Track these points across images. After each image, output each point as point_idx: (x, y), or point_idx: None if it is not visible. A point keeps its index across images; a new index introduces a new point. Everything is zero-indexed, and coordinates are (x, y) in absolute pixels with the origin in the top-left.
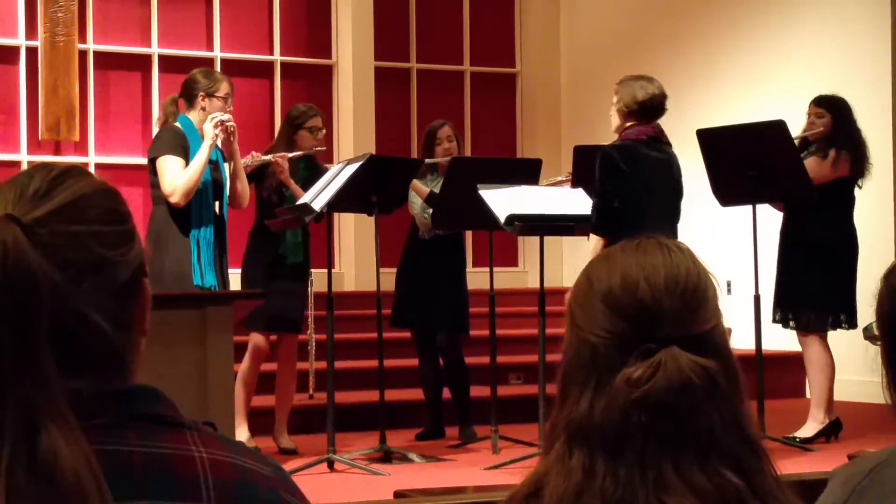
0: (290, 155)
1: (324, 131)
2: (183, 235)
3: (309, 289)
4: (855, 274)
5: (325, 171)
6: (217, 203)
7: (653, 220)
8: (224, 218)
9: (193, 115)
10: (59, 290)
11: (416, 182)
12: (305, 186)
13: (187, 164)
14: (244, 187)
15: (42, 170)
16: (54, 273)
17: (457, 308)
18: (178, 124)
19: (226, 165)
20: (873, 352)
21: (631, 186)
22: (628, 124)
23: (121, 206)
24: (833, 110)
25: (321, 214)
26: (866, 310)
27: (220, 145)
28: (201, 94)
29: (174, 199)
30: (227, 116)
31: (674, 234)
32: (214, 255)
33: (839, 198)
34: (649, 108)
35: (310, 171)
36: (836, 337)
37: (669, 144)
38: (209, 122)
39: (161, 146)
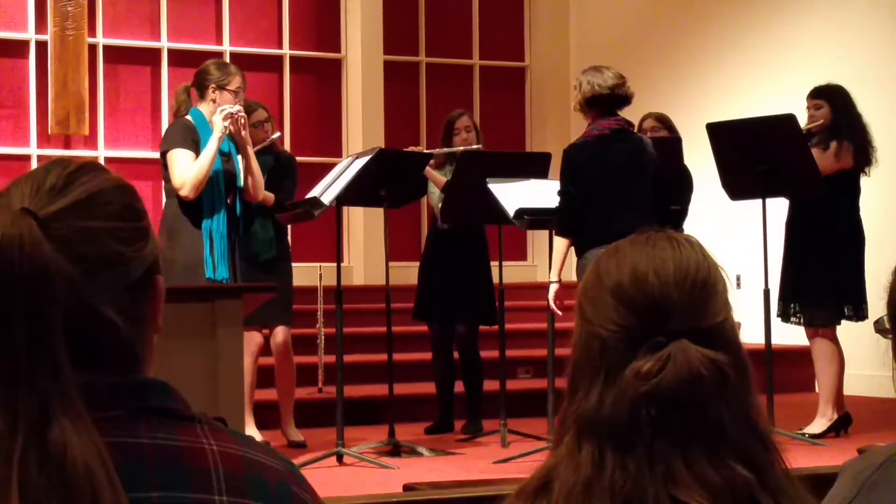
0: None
1: (270, 122)
2: (195, 228)
3: (291, 281)
4: (862, 265)
5: (290, 155)
6: (230, 195)
7: (623, 217)
8: (237, 210)
9: (204, 107)
10: (74, 284)
11: (431, 170)
12: (272, 175)
13: (198, 156)
14: (258, 178)
15: (59, 165)
16: (69, 267)
17: (480, 298)
18: (189, 117)
19: (239, 157)
20: (884, 345)
21: (593, 185)
22: (590, 119)
23: (136, 202)
24: (830, 99)
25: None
26: (877, 302)
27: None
28: (212, 85)
29: (184, 193)
30: (237, 108)
31: (651, 226)
32: (227, 248)
33: (844, 188)
34: (603, 100)
35: (274, 158)
36: (845, 331)
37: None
38: (218, 113)
39: (171, 140)
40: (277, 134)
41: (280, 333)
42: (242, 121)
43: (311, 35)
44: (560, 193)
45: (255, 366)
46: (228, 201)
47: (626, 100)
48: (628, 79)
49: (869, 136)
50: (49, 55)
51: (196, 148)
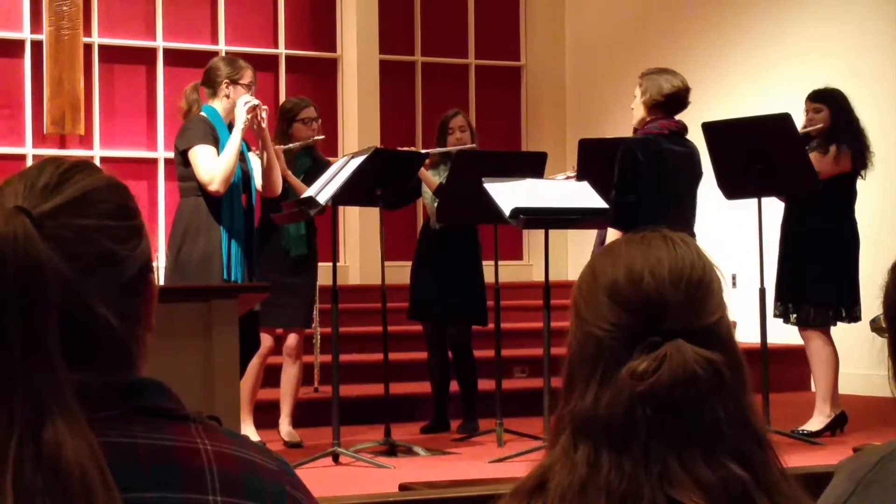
0: (285, 147)
1: (319, 121)
2: (214, 227)
3: (316, 282)
4: (856, 267)
5: (326, 161)
6: (245, 196)
7: (671, 215)
8: (252, 210)
9: (218, 104)
10: (68, 282)
11: (424, 171)
12: (308, 177)
13: (218, 153)
14: (278, 173)
15: (52, 163)
16: (63, 266)
17: (471, 299)
18: (203, 114)
19: (251, 156)
20: (879, 344)
21: (649, 181)
22: (651, 118)
23: (129, 201)
24: (830, 104)
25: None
26: (872, 301)
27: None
28: (225, 81)
29: (213, 187)
30: (258, 101)
31: (690, 229)
32: (244, 249)
33: (840, 191)
34: (674, 102)
35: (312, 161)
36: (840, 330)
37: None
38: (241, 105)
39: (191, 137)
40: (322, 136)
41: (293, 336)
42: (263, 114)
43: (306, 34)
44: (617, 186)
45: (262, 367)
46: (244, 202)
47: (687, 104)
48: (624, 78)
49: (867, 140)
50: (44, 55)
51: (216, 144)
